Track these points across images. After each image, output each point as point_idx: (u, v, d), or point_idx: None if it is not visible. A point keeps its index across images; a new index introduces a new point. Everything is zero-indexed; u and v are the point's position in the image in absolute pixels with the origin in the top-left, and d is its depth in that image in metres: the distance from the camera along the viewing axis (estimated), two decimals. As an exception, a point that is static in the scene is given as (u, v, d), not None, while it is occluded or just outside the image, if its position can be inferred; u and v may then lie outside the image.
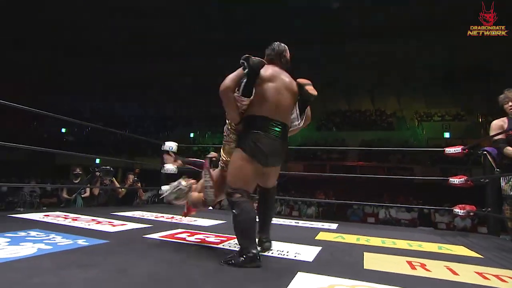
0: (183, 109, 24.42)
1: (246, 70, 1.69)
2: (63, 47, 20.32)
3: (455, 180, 3.69)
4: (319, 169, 14.12)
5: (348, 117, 20.55)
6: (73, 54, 20.99)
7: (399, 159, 14.40)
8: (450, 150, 3.82)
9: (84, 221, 2.66)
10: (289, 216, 9.23)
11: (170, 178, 4.87)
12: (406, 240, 2.75)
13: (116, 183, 4.87)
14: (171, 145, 4.79)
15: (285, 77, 1.91)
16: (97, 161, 12.76)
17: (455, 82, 17.71)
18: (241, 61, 1.71)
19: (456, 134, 15.97)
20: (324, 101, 22.07)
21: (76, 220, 2.72)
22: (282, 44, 1.99)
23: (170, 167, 4.73)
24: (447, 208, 4.31)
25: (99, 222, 2.67)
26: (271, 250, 1.97)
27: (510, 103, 2.87)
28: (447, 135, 16.57)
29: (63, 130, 23.75)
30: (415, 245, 2.53)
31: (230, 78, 1.74)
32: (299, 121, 1.92)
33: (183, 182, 2.20)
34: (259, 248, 1.77)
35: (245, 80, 1.69)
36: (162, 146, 4.79)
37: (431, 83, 18.45)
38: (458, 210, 3.63)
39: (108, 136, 21.03)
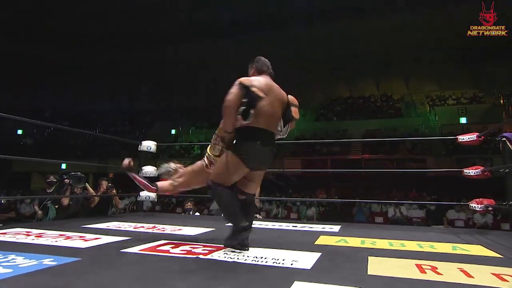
0: (162, 102, 24.26)
1: (246, 100, 2.16)
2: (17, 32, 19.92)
3: (471, 172, 3.74)
4: (319, 164, 14.24)
5: (350, 104, 20.70)
6: (30, 41, 20.61)
7: (409, 149, 14.59)
8: (463, 138, 3.87)
9: (51, 237, 2.65)
10: (287, 219, 9.31)
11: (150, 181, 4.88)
12: (416, 241, 2.82)
13: (91, 190, 4.84)
14: (149, 145, 4.79)
15: (276, 89, 2.36)
16: (63, 166, 12.57)
17: (472, 59, 17.81)
18: (241, 85, 2.18)
19: (474, 119, 16.07)
20: (323, 87, 22.19)
21: (40, 236, 2.69)
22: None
23: (149, 169, 4.73)
24: (463, 203, 4.40)
25: (68, 237, 2.66)
26: (266, 258, 2.02)
27: None
28: (463, 120, 16.68)
29: (19, 132, 23.25)
30: (427, 246, 2.60)
31: (235, 95, 2.17)
32: (282, 134, 2.44)
33: (173, 165, 2.86)
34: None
35: (243, 108, 2.17)
36: (139, 146, 4.78)
37: (444, 61, 18.58)
38: (475, 205, 3.68)
39: (76, 138, 20.79)
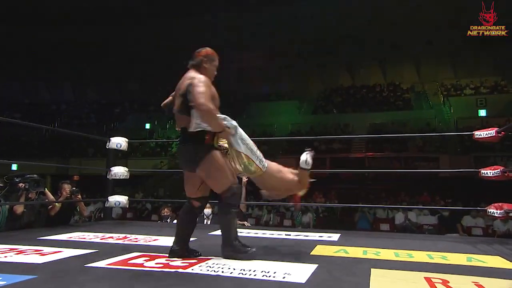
0: (136, 91, 23.98)
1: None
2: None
3: (489, 172, 3.79)
4: (316, 164, 14.23)
5: (352, 94, 20.82)
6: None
7: (419, 147, 14.76)
8: (480, 133, 3.92)
9: (-1, 252, 2.63)
10: (279, 226, 9.35)
11: (120, 185, 4.86)
12: (426, 251, 2.89)
13: (50, 195, 4.77)
14: (119, 142, 4.76)
15: (180, 84, 2.56)
16: (14, 167, 12.34)
17: (493, 42, 17.87)
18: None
19: (495, 111, 16.25)
20: (321, 75, 22.24)
21: (-14, 251, 2.67)
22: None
23: (119, 170, 4.71)
24: (480, 208, 4.47)
25: (21, 252, 2.64)
26: (254, 271, 2.04)
27: None
28: (482, 113, 16.88)
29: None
30: (438, 257, 2.66)
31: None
32: (198, 121, 2.43)
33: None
34: None
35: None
36: (108, 143, 4.75)
37: (461, 45, 18.61)
38: (493, 210, 3.73)
39: (30, 133, 20.42)
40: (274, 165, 2.86)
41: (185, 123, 2.46)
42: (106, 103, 24.05)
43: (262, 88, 22.15)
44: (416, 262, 2.49)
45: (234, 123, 2.48)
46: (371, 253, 2.75)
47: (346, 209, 10.52)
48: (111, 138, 4.79)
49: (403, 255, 2.71)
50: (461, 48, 18.77)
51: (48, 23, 20.61)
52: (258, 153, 2.66)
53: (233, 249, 2.39)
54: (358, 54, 20.68)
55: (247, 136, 2.61)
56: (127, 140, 4.87)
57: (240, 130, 2.54)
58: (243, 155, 2.55)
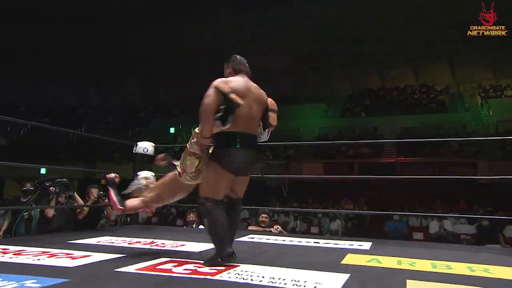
0: (160, 95, 24.38)
1: (225, 106, 2.40)
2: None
3: (533, 179, 3.71)
4: (345, 169, 14.17)
5: (382, 97, 20.54)
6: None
7: (455, 151, 14.41)
8: (523, 138, 3.84)
9: (32, 255, 2.70)
10: (306, 233, 9.33)
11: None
12: (466, 262, 2.80)
13: (79, 199, 4.91)
14: (145, 146, 4.85)
15: (255, 90, 2.64)
16: (43, 171, 12.78)
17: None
18: (218, 90, 2.41)
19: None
20: (349, 77, 22.01)
21: (20, 254, 2.75)
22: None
23: (146, 175, 4.79)
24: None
25: (53, 255, 2.71)
26: (284, 280, 2.05)
27: None
28: (526, 115, 16.36)
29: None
30: (479, 270, 2.57)
31: (212, 99, 2.43)
32: (263, 137, 2.75)
33: (144, 181, 3.19)
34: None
35: (221, 114, 2.41)
36: (134, 147, 4.85)
37: (501, 41, 18.03)
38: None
39: (57, 137, 21.04)
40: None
41: (257, 131, 2.66)
42: (132, 108, 24.53)
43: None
44: (456, 274, 2.42)
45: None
46: (406, 263, 2.69)
47: (376, 216, 10.38)
48: (138, 143, 4.88)
49: (441, 266, 2.63)
50: (501, 46, 18.16)
51: (48, 23, 21.13)
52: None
53: None
54: (389, 55, 20.38)
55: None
56: (153, 144, 4.96)
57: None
58: None
